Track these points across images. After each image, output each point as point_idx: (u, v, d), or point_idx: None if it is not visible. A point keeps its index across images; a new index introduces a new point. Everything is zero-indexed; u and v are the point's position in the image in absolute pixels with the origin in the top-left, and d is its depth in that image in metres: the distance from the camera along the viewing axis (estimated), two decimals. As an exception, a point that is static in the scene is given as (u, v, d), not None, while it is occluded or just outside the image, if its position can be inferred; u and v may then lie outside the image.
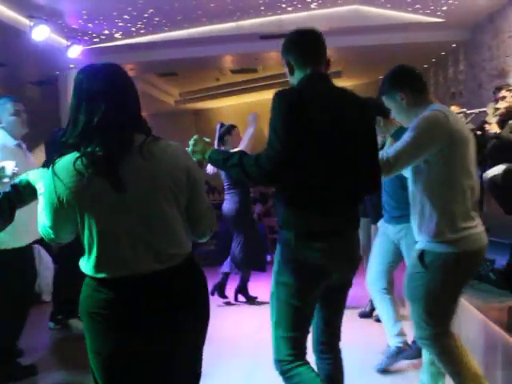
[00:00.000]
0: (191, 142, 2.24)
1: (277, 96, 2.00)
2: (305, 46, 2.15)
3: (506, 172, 3.91)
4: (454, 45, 8.54)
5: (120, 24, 6.81)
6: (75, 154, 1.58)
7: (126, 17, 6.54)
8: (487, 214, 3.91)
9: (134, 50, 7.89)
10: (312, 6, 6.93)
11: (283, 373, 2.13)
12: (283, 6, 6.81)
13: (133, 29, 7.08)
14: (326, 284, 2.12)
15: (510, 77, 6.57)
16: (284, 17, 7.28)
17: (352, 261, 2.18)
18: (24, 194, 1.93)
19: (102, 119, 1.59)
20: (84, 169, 1.56)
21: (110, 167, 1.57)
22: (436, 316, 2.34)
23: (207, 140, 2.28)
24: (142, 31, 7.24)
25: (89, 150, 1.57)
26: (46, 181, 1.63)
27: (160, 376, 1.70)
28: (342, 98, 2.13)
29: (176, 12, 6.61)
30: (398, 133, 2.94)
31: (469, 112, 5.12)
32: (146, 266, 1.63)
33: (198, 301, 1.76)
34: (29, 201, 1.96)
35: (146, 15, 6.58)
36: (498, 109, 4.18)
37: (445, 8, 6.80)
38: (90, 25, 6.71)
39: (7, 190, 1.96)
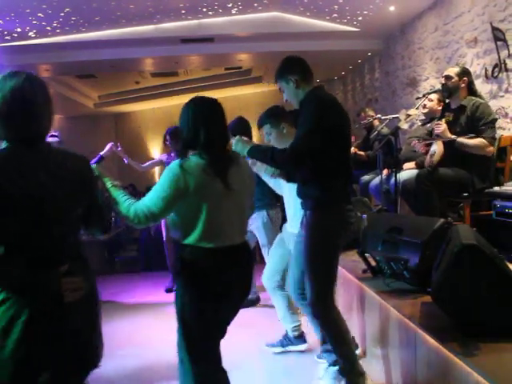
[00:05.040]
0: (234, 143, 2.78)
1: (321, 100, 2.77)
2: (306, 66, 2.93)
3: (418, 176, 4.09)
4: (370, 53, 8.88)
5: (34, 22, 6.52)
6: (199, 159, 2.25)
7: (40, 15, 6.27)
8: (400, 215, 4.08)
9: (50, 50, 7.58)
10: (233, 11, 6.96)
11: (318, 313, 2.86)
12: (204, 10, 6.80)
13: (48, 28, 6.79)
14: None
15: (421, 85, 6.93)
16: (205, 21, 7.27)
17: None
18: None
19: (217, 138, 2.34)
20: (210, 170, 2.25)
21: (224, 172, 2.29)
22: None
23: (245, 139, 2.88)
24: (58, 30, 6.96)
25: (209, 158, 2.25)
26: (174, 174, 2.21)
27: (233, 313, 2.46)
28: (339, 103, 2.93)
29: (94, 12, 6.41)
30: None
31: (383, 118, 5.33)
32: (238, 239, 2.37)
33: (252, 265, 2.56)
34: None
35: (62, 14, 6.34)
36: (409, 115, 4.37)
37: (360, 18, 7.06)
38: (0, 21, 6.38)
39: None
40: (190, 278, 2.28)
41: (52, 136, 5.36)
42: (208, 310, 2.29)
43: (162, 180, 2.25)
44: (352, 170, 3.00)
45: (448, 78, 4.09)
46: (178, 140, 5.68)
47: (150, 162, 6.09)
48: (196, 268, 2.28)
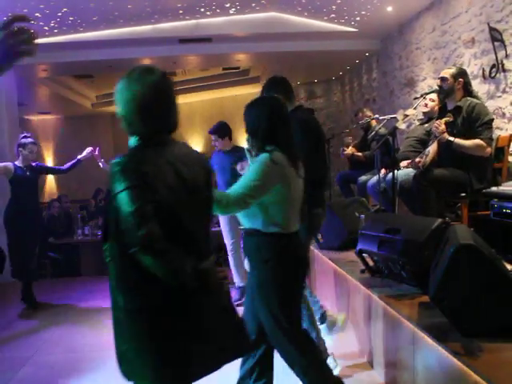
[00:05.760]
0: None
1: (304, 122, 3.25)
2: (290, 87, 3.39)
3: (415, 176, 4.10)
4: (368, 54, 8.89)
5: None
6: (279, 153, 2.50)
7: (37, 15, 6.24)
8: (399, 215, 4.08)
9: (48, 50, 7.54)
10: (231, 11, 6.96)
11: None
12: (202, 10, 6.79)
13: (46, 28, 6.77)
14: None
15: (418, 85, 6.94)
16: (203, 21, 7.27)
17: None
18: None
19: (290, 134, 2.62)
20: (290, 162, 2.52)
21: (296, 163, 2.58)
22: None
23: None
24: (55, 30, 6.95)
25: (286, 151, 2.53)
26: (265, 165, 2.45)
27: None
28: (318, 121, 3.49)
29: (92, 12, 6.40)
30: None
31: (381, 118, 5.34)
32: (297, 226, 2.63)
33: None
34: None
35: (59, 14, 6.32)
36: (407, 115, 4.38)
37: (358, 18, 7.05)
38: (-2, 22, 6.35)
39: None
40: (281, 264, 2.51)
41: (25, 137, 5.48)
42: (297, 290, 2.62)
43: (253, 171, 2.49)
44: (325, 176, 3.51)
45: (443, 79, 4.10)
46: None
47: None
48: (285, 254, 2.53)
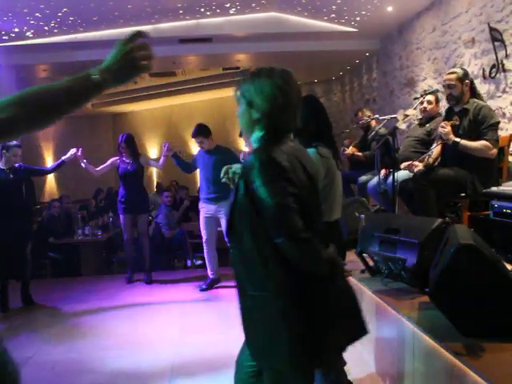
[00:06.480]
0: None
1: None
2: None
3: (415, 175, 4.10)
4: (368, 54, 8.89)
5: (32, 22, 6.50)
6: (324, 147, 2.70)
7: (37, 15, 6.25)
8: (398, 215, 4.08)
9: (48, 50, 7.57)
10: (231, 11, 6.96)
11: None
12: (202, 10, 6.79)
13: (46, 28, 6.78)
14: None
15: (418, 85, 6.94)
16: (203, 21, 7.27)
17: None
18: None
19: (331, 128, 2.89)
20: (331, 155, 2.73)
21: (338, 156, 2.85)
22: None
23: None
24: (55, 31, 6.95)
25: (330, 145, 2.76)
26: (315, 160, 2.46)
27: None
28: None
29: (92, 12, 6.41)
30: None
31: (381, 118, 5.33)
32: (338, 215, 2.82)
33: None
34: None
35: (59, 14, 6.33)
36: (407, 115, 4.37)
37: (358, 18, 7.05)
38: (-3, 21, 6.36)
39: None
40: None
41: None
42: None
43: None
44: None
45: (450, 86, 4.00)
46: (134, 145, 6.21)
47: (103, 166, 6.32)
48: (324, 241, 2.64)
